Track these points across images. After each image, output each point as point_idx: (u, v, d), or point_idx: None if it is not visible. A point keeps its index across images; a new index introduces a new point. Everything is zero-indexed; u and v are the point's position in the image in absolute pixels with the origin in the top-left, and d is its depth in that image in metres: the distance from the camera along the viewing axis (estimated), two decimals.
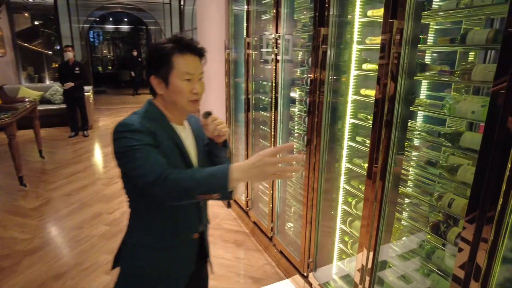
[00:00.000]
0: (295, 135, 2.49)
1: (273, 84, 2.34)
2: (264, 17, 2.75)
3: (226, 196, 0.98)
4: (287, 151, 0.95)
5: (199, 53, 1.11)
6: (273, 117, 2.40)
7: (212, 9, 3.46)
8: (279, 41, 2.25)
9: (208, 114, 1.19)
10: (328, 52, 1.78)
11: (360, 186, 1.97)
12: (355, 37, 1.80)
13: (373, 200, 1.56)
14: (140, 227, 1.18)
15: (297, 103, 2.47)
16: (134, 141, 1.01)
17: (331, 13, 1.73)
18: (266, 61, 2.89)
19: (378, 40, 1.73)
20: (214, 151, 1.25)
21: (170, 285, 1.23)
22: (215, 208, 3.61)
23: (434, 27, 1.63)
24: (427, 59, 1.64)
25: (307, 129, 2.01)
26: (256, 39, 2.71)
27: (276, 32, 2.25)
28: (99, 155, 5.66)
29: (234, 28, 3.12)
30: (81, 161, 5.24)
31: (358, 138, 1.93)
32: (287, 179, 0.76)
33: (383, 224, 1.59)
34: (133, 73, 12.13)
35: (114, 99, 12.02)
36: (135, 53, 12.24)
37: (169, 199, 1.02)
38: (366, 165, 1.91)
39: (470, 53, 1.62)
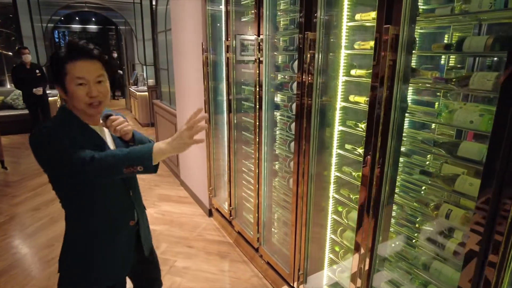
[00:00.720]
0: (278, 141, 2.41)
1: (257, 88, 2.24)
2: (243, 19, 2.64)
3: (150, 168, 1.09)
4: (196, 115, 1.10)
5: (93, 56, 1.13)
6: (257, 122, 2.30)
7: (187, 9, 3.31)
8: (261, 44, 2.15)
9: (106, 117, 1.24)
10: (316, 57, 1.70)
11: (350, 195, 1.91)
12: (343, 42, 1.73)
13: (368, 210, 1.50)
14: (77, 223, 1.24)
15: (280, 108, 2.39)
16: (55, 146, 1.07)
17: (318, 16, 1.65)
18: (246, 64, 2.78)
19: (367, 45, 1.67)
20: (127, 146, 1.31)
21: (113, 274, 1.30)
22: (195, 218, 3.47)
23: (419, 31, 1.59)
24: (413, 64, 1.60)
25: (295, 135, 1.92)
26: (231, 40, 2.59)
27: (259, 34, 2.15)
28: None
29: (212, 30, 2.99)
30: None
31: (348, 146, 1.87)
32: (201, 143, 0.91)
33: (379, 233, 1.53)
34: (121, 72, 11.61)
35: None
36: (115, 55, 11.80)
37: (99, 177, 1.11)
38: (356, 173, 1.86)
39: (451, 57, 1.60)
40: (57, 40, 15.56)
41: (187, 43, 3.44)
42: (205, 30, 2.97)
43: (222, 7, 2.82)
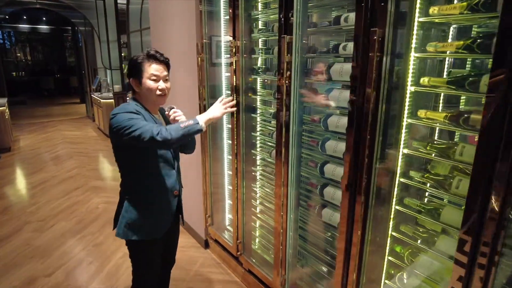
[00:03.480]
0: (309, 163, 1.98)
1: (284, 97, 1.79)
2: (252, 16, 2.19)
3: (196, 120, 1.51)
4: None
5: (163, 61, 1.57)
6: (283, 139, 1.86)
7: (174, 7, 2.79)
8: (291, 46, 1.71)
9: (170, 108, 1.70)
10: (383, 61, 1.30)
11: (414, 234, 1.53)
12: (413, 42, 1.35)
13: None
14: (135, 190, 1.61)
15: (304, 123, 1.96)
16: (130, 116, 1.45)
17: (389, 9, 1.26)
18: (264, 69, 2.34)
19: (449, 47, 1.31)
20: None
21: (159, 231, 1.65)
22: (189, 251, 2.93)
23: None
24: None
25: (345, 161, 1.51)
26: (240, 40, 2.14)
27: (285, 32, 1.71)
28: (25, 188, 4.49)
29: (207, 29, 2.51)
30: None
31: (415, 174, 1.48)
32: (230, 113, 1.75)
33: None
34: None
35: (36, 112, 10.28)
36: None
37: (169, 137, 1.41)
38: (421, 207, 1.49)
39: None
40: (1, 41, 14.03)
41: (172, 44, 2.91)
42: (201, 29, 2.48)
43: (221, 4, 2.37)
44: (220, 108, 1.64)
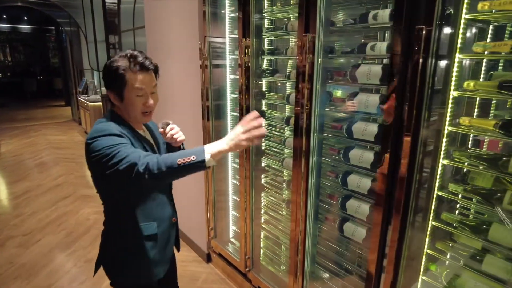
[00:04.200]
0: (328, 173, 1.83)
1: (305, 102, 1.63)
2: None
3: (201, 156, 1.04)
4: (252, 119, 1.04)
5: (152, 69, 1.24)
6: (304, 147, 1.70)
7: (172, 8, 2.61)
8: (313, 45, 1.57)
9: (166, 124, 1.43)
10: (428, 64, 1.17)
11: (453, 252, 1.40)
12: (459, 42, 1.22)
13: None
14: (129, 226, 1.28)
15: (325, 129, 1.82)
16: (113, 141, 1.12)
17: (436, 5, 1.12)
18: (271, 71, 2.17)
19: (502, 47, 1.18)
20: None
21: (163, 268, 1.40)
22: (190, 265, 2.74)
23: None
24: None
25: (381, 174, 1.36)
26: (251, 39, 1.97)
27: (307, 31, 1.56)
28: (7, 198, 4.18)
29: (210, 30, 2.34)
30: None
31: (454, 187, 1.35)
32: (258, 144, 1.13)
33: None
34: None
35: (18, 115, 9.83)
36: None
37: (160, 174, 1.04)
38: (461, 222, 1.36)
39: None
40: None
41: (172, 45, 2.73)
42: (204, 30, 2.31)
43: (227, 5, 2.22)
44: (240, 135, 1.03)
